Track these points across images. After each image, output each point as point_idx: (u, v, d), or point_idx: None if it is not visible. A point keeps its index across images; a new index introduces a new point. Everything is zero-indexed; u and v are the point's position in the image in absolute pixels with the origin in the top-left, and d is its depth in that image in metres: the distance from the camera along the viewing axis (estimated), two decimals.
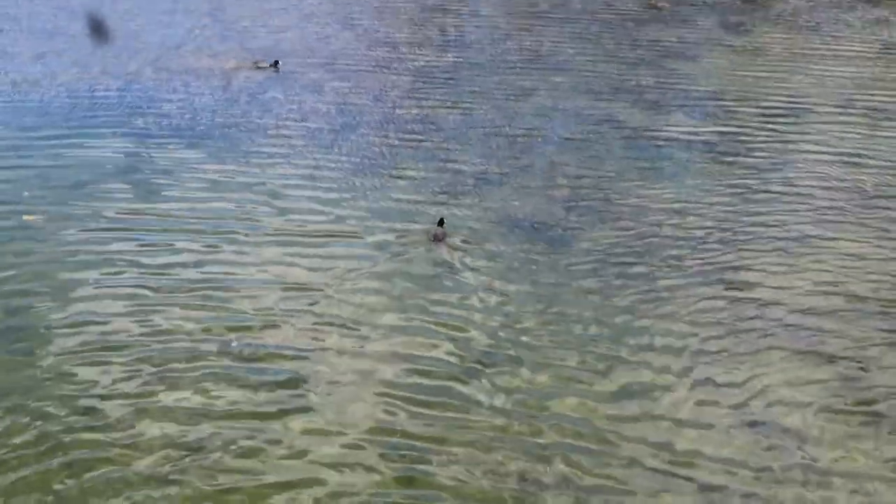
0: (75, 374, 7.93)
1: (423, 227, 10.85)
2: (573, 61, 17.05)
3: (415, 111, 14.58)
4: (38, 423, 7.33)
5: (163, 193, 11.42)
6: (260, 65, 15.92)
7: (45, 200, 11.01)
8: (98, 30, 17.70)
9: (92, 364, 8.03)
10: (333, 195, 11.55)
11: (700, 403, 8.03)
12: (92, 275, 9.45)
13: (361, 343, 8.66)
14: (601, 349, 8.72)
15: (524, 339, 8.89)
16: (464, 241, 10.66)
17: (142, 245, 10.09)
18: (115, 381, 7.86)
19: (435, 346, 8.65)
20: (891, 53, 18.41)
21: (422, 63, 16.68)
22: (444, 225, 11.04)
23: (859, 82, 16.45)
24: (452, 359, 8.46)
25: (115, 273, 9.54)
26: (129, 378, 7.93)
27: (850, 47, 18.34)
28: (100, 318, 8.74)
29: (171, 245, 10.09)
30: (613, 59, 17.32)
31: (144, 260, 9.76)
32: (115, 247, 10.02)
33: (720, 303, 9.70)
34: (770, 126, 14.49)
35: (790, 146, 13.83)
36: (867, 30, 19.44)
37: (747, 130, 14.34)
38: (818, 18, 20.10)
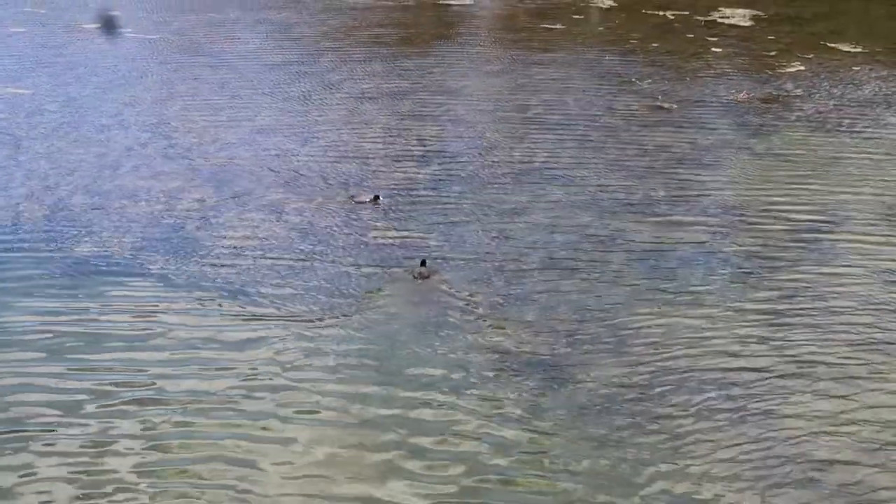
0: None
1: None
2: (572, 173, 17.63)
3: (390, 234, 15.02)
4: None
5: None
6: (358, 199, 16.14)
7: None
8: (20, 147, 18.25)
9: None
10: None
11: None
12: None
13: None
14: None
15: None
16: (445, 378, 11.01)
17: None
18: None
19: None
20: None
21: (398, 178, 17.22)
22: (427, 264, 13.36)
23: None
24: None
25: None
26: None
27: (889, 150, 19.04)
28: None
29: None
30: (618, 168, 17.92)
31: None
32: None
33: (751, 448, 9.95)
34: (800, 241, 14.97)
35: (824, 264, 14.27)
36: None
37: (774, 247, 14.80)
38: (849, 119, 20.85)
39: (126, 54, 25.57)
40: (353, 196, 16.36)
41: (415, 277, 13.49)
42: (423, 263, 13.65)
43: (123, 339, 12.04)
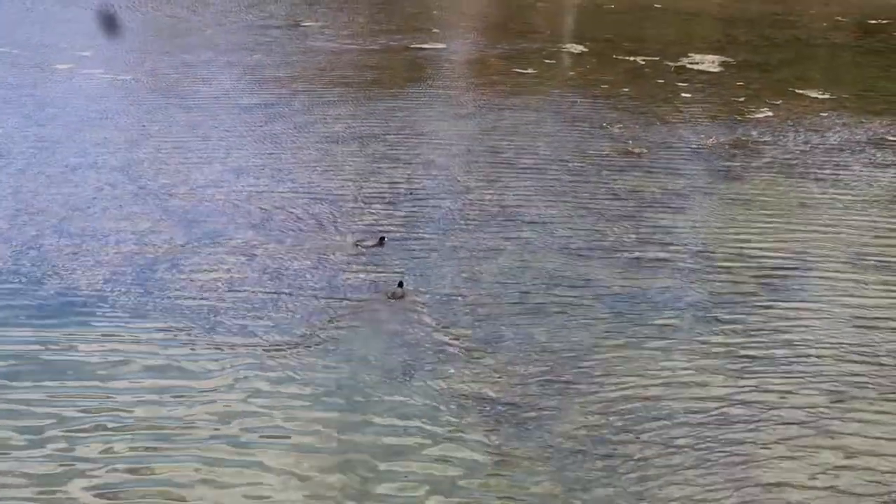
0: None
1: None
2: (543, 215, 17.74)
3: (361, 275, 15.04)
4: None
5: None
6: (363, 244, 16.11)
7: None
8: None
9: None
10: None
11: None
12: None
13: None
14: None
15: None
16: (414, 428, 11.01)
17: None
18: None
19: None
20: None
21: (370, 220, 17.26)
22: (404, 286, 14.13)
23: (869, 234, 17.25)
24: None
25: None
26: None
27: (856, 195, 19.27)
28: None
29: None
30: (589, 212, 18.05)
31: None
32: None
33: (720, 494, 10.00)
34: (770, 285, 15.12)
35: (794, 308, 14.42)
36: (873, 175, 20.47)
37: (744, 291, 14.94)
38: (818, 163, 21.12)
39: (98, 94, 25.53)
40: (358, 241, 16.31)
41: (388, 297, 14.12)
42: (399, 285, 14.27)
43: (89, 369, 12.22)
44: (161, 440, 10.73)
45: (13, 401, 11.32)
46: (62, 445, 10.56)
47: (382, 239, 16.25)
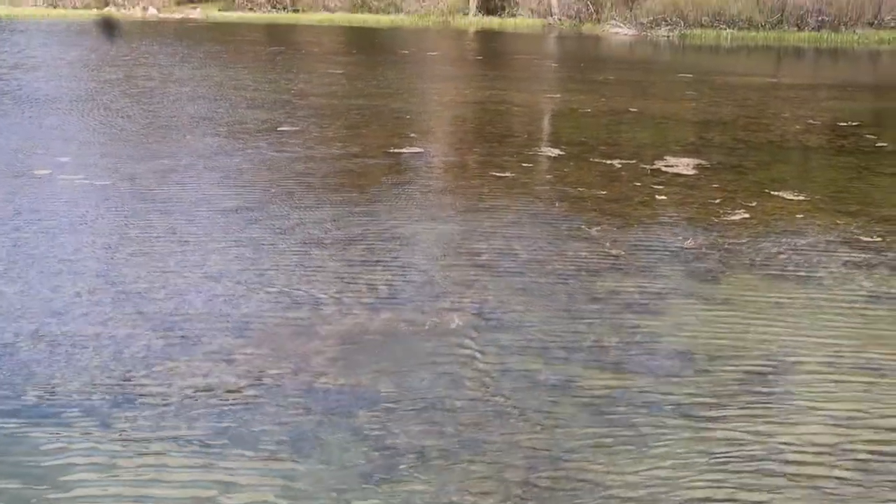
0: None
1: None
2: (521, 318, 17.83)
3: (341, 381, 15.04)
4: None
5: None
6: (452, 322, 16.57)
7: None
8: None
9: None
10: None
11: None
12: None
13: None
14: None
15: None
16: None
17: None
18: None
19: None
20: (878, 303, 19.61)
21: (350, 324, 17.31)
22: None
23: (846, 335, 17.40)
24: None
25: None
26: None
27: (833, 296, 19.47)
28: None
29: None
30: (567, 314, 18.16)
31: None
32: None
33: None
34: (749, 388, 15.19)
35: (773, 410, 14.49)
36: (849, 276, 20.73)
37: (723, 393, 15.01)
38: (794, 264, 21.36)
39: (76, 200, 25.68)
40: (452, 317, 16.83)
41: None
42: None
43: (62, 476, 11.95)
44: None
45: None
46: None
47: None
